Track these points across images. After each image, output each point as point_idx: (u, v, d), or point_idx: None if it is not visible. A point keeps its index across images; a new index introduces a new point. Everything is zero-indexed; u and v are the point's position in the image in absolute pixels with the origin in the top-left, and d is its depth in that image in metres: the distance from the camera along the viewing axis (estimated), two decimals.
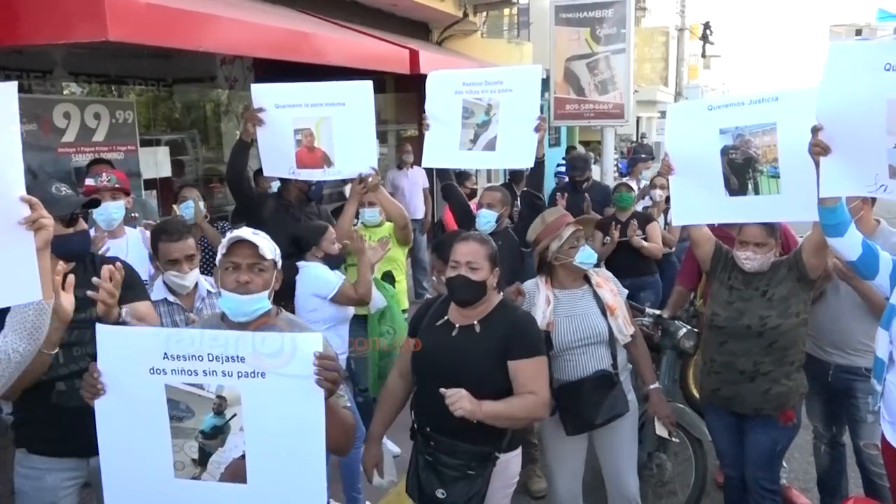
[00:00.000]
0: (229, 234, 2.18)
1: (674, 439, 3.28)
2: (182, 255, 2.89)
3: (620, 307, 3.13)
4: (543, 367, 2.64)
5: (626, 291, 3.27)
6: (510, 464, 2.68)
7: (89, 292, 2.12)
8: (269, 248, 2.17)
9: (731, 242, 3.30)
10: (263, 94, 3.82)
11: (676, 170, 3.19)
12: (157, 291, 2.98)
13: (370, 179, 3.84)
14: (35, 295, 1.84)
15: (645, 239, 5.20)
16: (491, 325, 2.61)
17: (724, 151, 3.03)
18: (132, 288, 2.51)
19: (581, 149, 14.14)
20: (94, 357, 2.01)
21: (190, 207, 4.24)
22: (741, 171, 3.02)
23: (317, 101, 3.78)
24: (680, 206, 3.25)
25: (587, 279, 3.18)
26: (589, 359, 3.08)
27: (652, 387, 3.26)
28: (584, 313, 3.10)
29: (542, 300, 3.11)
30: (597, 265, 3.34)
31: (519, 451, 2.73)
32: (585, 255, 3.11)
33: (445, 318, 2.69)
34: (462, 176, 5.64)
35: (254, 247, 2.13)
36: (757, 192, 3.01)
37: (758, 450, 3.24)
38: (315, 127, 3.79)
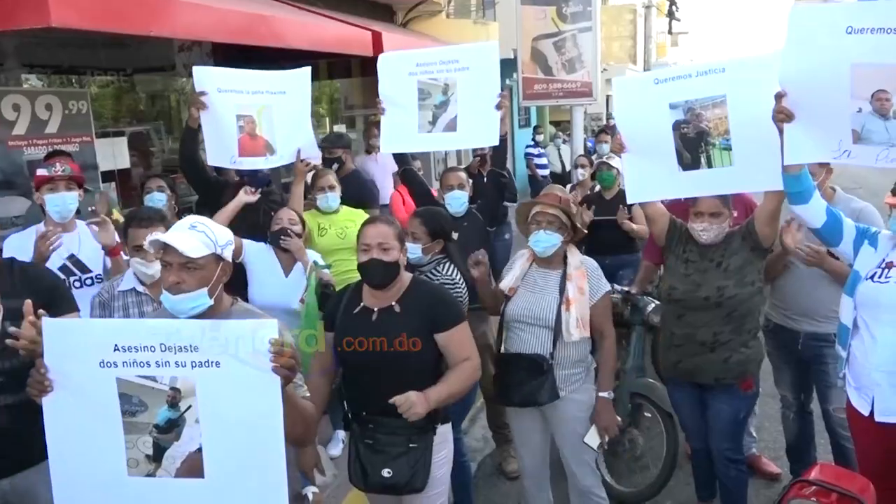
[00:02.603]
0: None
1: (598, 450, 3.20)
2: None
3: (579, 306, 3.03)
4: (468, 331, 2.69)
5: (606, 290, 3.14)
6: (446, 437, 2.73)
7: (9, 341, 1.93)
8: (199, 243, 2.05)
9: (687, 216, 3.30)
10: (205, 76, 3.75)
11: (628, 147, 3.16)
12: (127, 281, 2.92)
13: (312, 163, 3.85)
14: None
15: (631, 220, 5.16)
16: (409, 303, 2.63)
17: (676, 126, 3.01)
18: (59, 298, 2.38)
19: (551, 129, 14.13)
20: (3, 373, 1.91)
21: (154, 201, 4.11)
22: (693, 145, 3.00)
23: (258, 88, 3.76)
24: (634, 184, 3.23)
25: (566, 265, 3.12)
26: (532, 338, 3.09)
27: (601, 394, 3.13)
28: (542, 294, 3.10)
29: (517, 266, 3.21)
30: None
31: (450, 424, 2.77)
32: (533, 241, 3.11)
33: (361, 304, 2.67)
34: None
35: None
36: (710, 165, 3.00)
37: (720, 420, 3.28)
38: (257, 114, 3.75)
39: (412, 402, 2.42)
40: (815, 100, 2.47)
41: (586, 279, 3.10)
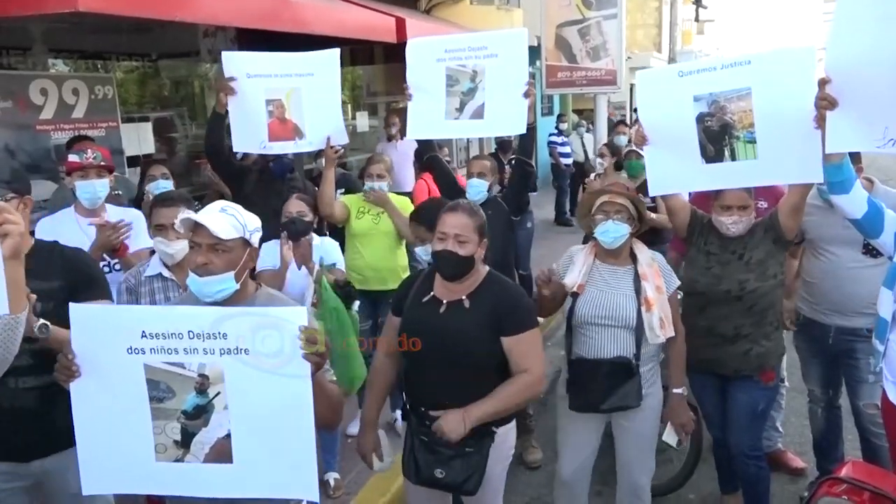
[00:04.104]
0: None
1: (678, 448, 3.13)
2: (169, 221, 2.79)
3: (661, 305, 2.89)
4: (537, 340, 2.57)
5: (677, 284, 3.04)
6: (507, 437, 2.64)
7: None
8: (229, 226, 2.04)
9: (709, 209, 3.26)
10: (235, 62, 3.73)
11: (651, 139, 3.11)
12: (153, 266, 2.93)
13: (340, 150, 3.86)
14: (1, 308, 1.66)
15: (654, 210, 5.08)
16: (480, 300, 2.53)
17: (700, 119, 2.95)
18: (93, 283, 2.38)
19: (574, 117, 13.99)
20: (33, 354, 1.91)
21: (160, 188, 4.14)
22: (717, 137, 2.94)
23: (286, 71, 3.73)
24: (656, 176, 3.17)
25: (635, 260, 2.98)
26: (611, 340, 2.91)
27: (676, 391, 3.04)
28: (617, 293, 2.92)
29: (580, 261, 3.00)
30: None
31: (513, 422, 2.68)
32: (600, 231, 2.92)
33: (431, 293, 2.59)
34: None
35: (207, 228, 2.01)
36: (734, 158, 2.92)
37: (739, 411, 3.25)
38: (286, 98, 3.73)
39: (443, 431, 2.38)
40: (861, 86, 2.40)
41: (661, 276, 2.96)
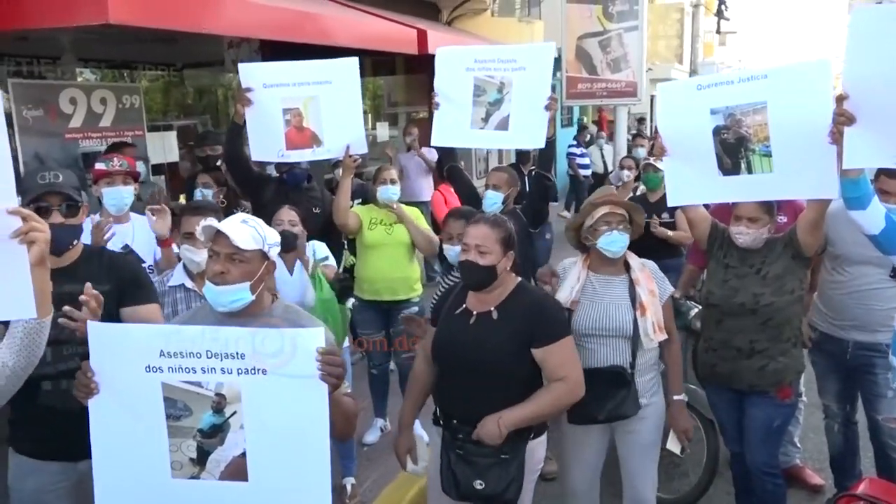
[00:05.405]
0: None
1: (682, 455, 3.14)
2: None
3: (654, 310, 2.91)
4: (570, 348, 2.58)
5: (671, 290, 3.07)
6: (535, 451, 2.65)
7: (62, 320, 1.95)
8: (249, 237, 2.07)
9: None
10: (251, 73, 3.78)
11: (669, 151, 3.12)
12: (177, 276, 2.97)
13: (358, 160, 3.88)
14: (28, 312, 1.71)
15: (672, 226, 5.07)
16: (509, 311, 2.55)
17: (716, 132, 2.96)
18: (140, 288, 2.44)
19: (593, 128, 14.00)
20: (84, 356, 1.94)
21: (201, 195, 4.23)
22: (733, 150, 2.95)
23: (304, 80, 3.76)
24: (674, 187, 3.19)
25: (628, 269, 3.00)
26: (608, 351, 2.91)
27: (676, 398, 3.05)
28: (612, 303, 2.93)
29: (573, 276, 3.00)
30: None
31: (544, 437, 2.69)
32: (607, 242, 2.91)
33: (464, 305, 2.62)
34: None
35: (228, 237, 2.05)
36: (750, 171, 2.92)
37: (754, 426, 3.23)
38: (303, 106, 3.76)
39: (481, 438, 2.41)
40: (878, 102, 2.41)
41: (654, 281, 2.98)
